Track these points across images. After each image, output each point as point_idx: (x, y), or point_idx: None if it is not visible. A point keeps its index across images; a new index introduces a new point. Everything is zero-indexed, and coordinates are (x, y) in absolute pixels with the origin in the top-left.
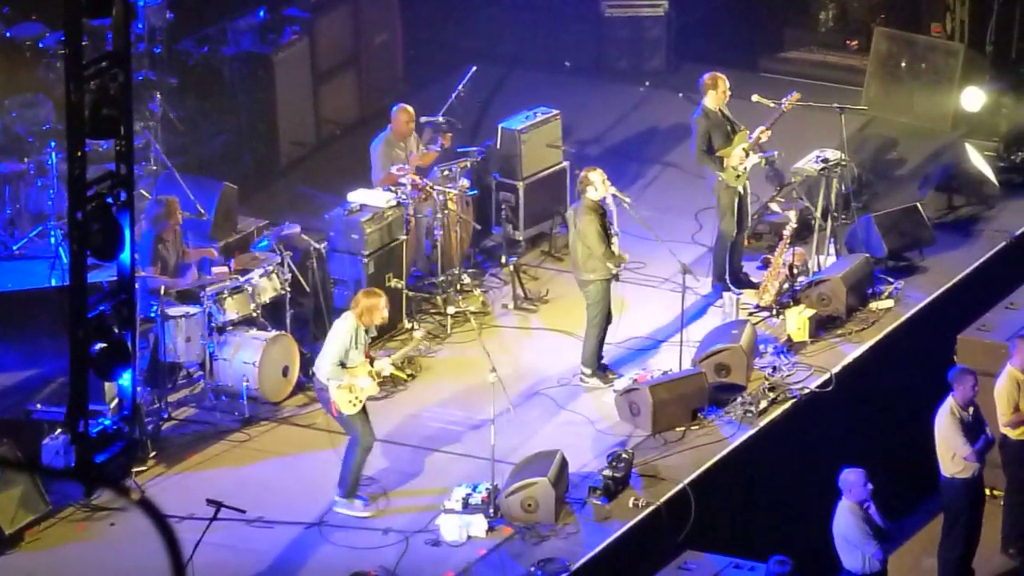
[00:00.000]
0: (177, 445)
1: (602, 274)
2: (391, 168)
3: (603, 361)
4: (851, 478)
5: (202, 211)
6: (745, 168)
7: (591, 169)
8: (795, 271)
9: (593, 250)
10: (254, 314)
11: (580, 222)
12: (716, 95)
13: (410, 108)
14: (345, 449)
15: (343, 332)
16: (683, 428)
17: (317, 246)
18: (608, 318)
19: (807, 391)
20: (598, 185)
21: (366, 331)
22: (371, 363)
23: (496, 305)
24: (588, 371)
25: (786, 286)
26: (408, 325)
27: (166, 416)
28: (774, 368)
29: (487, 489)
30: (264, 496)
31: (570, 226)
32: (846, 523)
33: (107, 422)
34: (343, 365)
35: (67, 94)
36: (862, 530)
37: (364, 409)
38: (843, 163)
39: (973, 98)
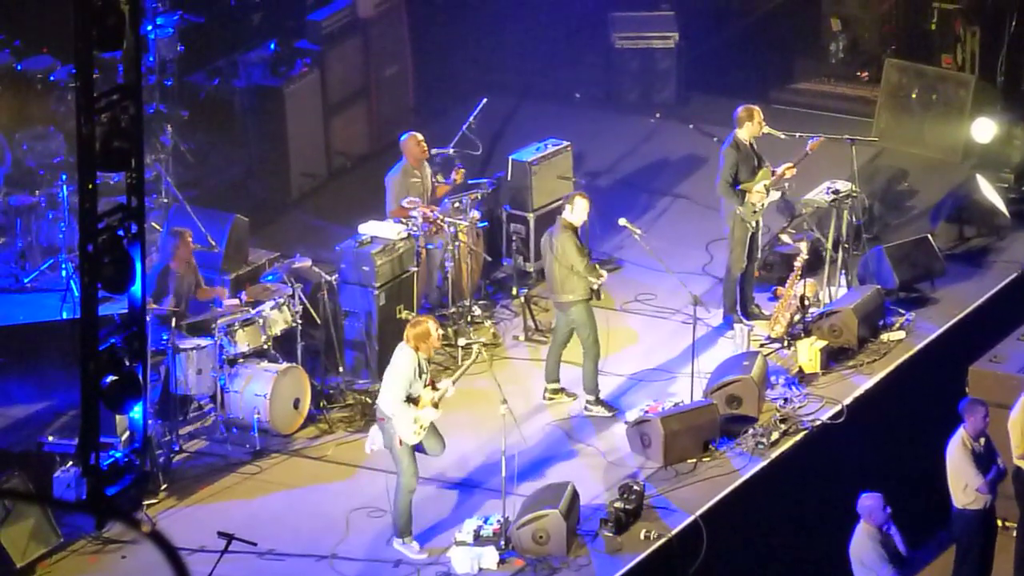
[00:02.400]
0: (188, 477)
1: (581, 294)
2: (402, 201)
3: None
4: (869, 503)
5: (213, 243)
6: (763, 205)
7: (580, 194)
8: (806, 302)
9: (576, 265)
10: (265, 346)
11: (557, 242)
12: (752, 127)
13: (418, 134)
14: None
15: (404, 364)
16: (694, 460)
17: (328, 278)
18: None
19: (819, 423)
20: (577, 208)
21: (428, 360)
22: (433, 388)
23: (507, 336)
24: (592, 399)
25: (797, 317)
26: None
27: (177, 448)
28: (785, 400)
29: (498, 521)
30: (275, 529)
31: (544, 251)
32: (863, 547)
33: (118, 455)
34: (410, 398)
35: (78, 127)
36: (878, 554)
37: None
38: (854, 194)
39: (984, 129)
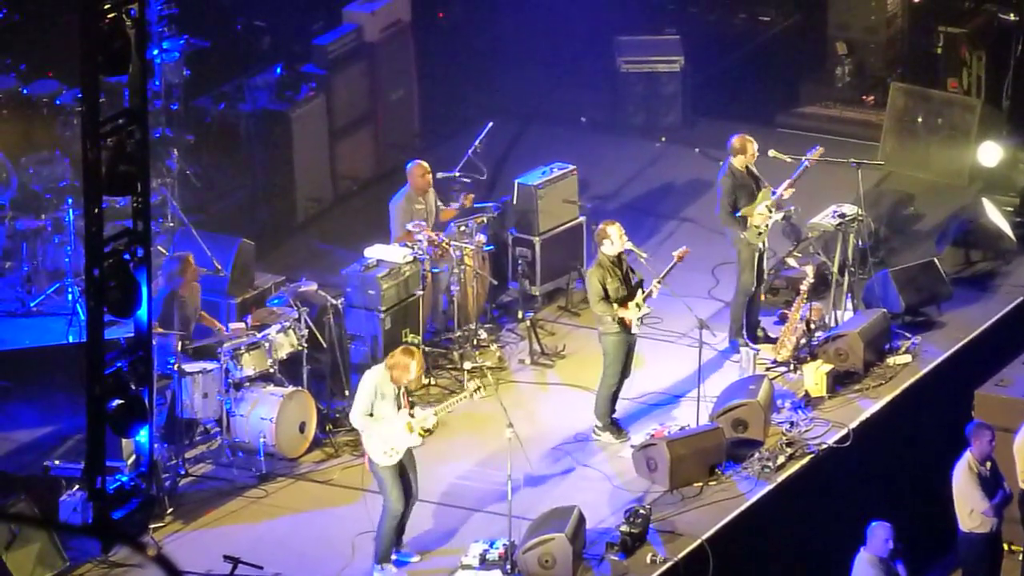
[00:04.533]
0: (194, 501)
1: (611, 327)
2: (408, 225)
3: (615, 416)
4: (877, 532)
5: (219, 267)
6: (767, 226)
7: (609, 223)
8: (812, 326)
9: (590, 301)
10: (271, 370)
11: (587, 275)
12: (745, 158)
13: (424, 163)
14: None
15: (367, 383)
16: (700, 484)
17: (334, 302)
18: (625, 373)
19: (825, 446)
20: (614, 239)
21: (399, 387)
22: (411, 415)
23: (513, 360)
24: (600, 424)
25: (803, 341)
26: (426, 381)
27: (183, 472)
28: (792, 423)
29: (504, 545)
30: (281, 553)
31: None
32: (863, 575)
33: (124, 478)
34: (372, 416)
35: (84, 151)
36: None
37: (404, 469)
38: (860, 218)
39: (990, 153)
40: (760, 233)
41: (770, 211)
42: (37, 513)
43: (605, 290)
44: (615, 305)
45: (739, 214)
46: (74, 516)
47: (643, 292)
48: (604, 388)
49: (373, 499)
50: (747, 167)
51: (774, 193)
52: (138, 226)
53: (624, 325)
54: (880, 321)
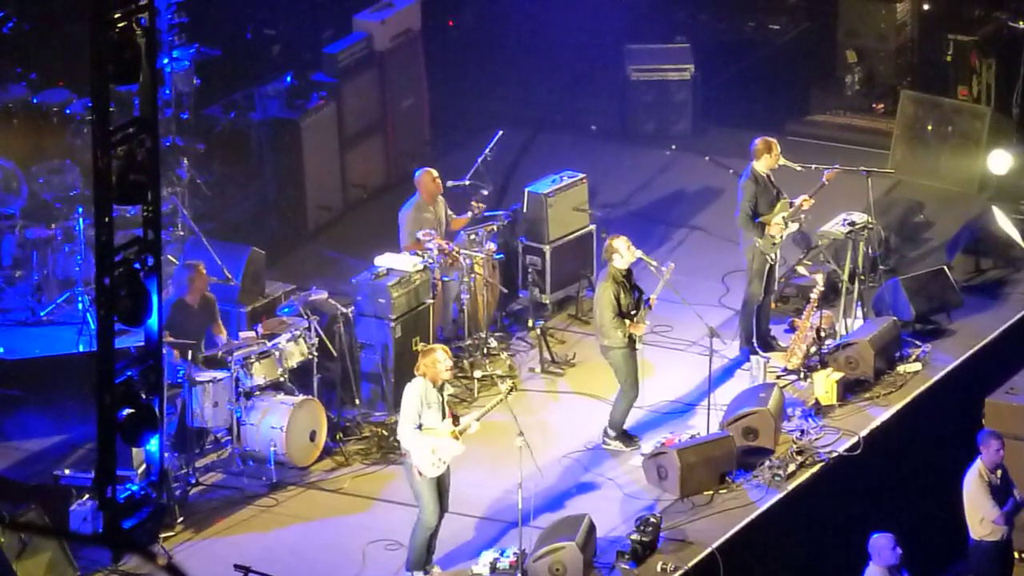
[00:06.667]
0: (205, 510)
1: (616, 342)
2: (418, 234)
3: (624, 427)
4: (881, 543)
5: (229, 276)
6: (782, 236)
7: (614, 237)
8: (822, 334)
9: (601, 318)
10: (281, 379)
11: (597, 289)
12: (770, 159)
13: (433, 171)
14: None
15: (411, 395)
16: (711, 492)
17: (344, 310)
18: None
19: (835, 455)
20: (623, 252)
21: (440, 389)
22: (456, 422)
23: (523, 369)
24: (613, 433)
25: (813, 349)
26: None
27: (193, 481)
28: (802, 431)
29: (515, 553)
30: (292, 561)
31: (595, 293)
32: None
33: (135, 488)
34: (421, 428)
35: (94, 160)
36: None
37: (442, 482)
38: (870, 226)
39: (1000, 161)
40: (775, 244)
41: (786, 222)
42: (47, 522)
43: (619, 305)
44: (627, 322)
45: (759, 221)
46: (84, 525)
47: (645, 307)
48: (625, 402)
49: (384, 508)
50: (768, 174)
51: (791, 204)
52: (148, 235)
53: (631, 340)
54: (890, 329)
